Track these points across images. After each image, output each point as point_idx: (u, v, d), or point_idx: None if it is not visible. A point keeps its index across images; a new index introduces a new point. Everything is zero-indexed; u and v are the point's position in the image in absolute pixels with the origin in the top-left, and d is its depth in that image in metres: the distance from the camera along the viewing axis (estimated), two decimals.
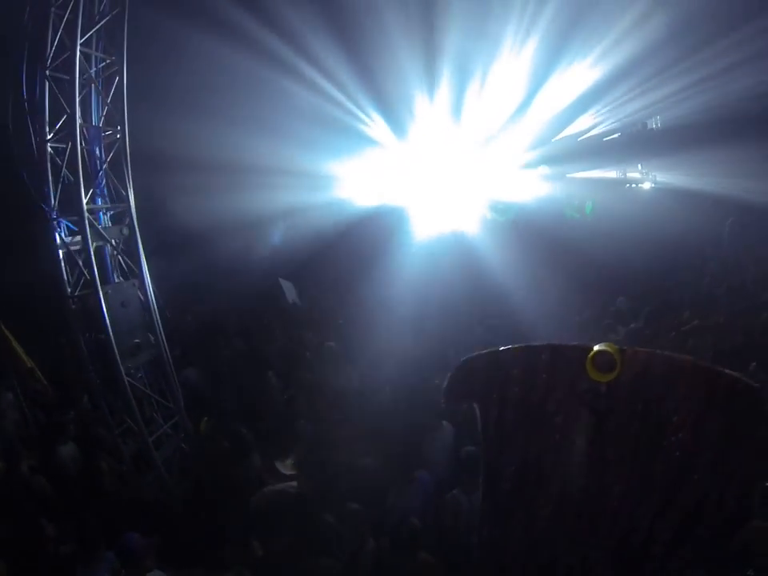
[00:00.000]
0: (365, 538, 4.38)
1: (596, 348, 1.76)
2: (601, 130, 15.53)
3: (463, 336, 8.80)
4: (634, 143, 15.24)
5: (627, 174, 16.67)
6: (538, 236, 13.68)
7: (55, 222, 5.61)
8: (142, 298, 6.02)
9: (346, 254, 13.36)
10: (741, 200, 12.86)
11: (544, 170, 16.07)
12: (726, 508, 1.61)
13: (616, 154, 15.67)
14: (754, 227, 13.16)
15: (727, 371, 1.64)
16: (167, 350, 6.18)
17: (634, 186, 16.76)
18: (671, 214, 14.00)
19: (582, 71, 12.98)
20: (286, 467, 5.19)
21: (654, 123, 15.28)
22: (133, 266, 6.02)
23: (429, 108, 14.26)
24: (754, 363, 6.75)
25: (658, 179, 15.95)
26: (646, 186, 16.42)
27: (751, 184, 12.49)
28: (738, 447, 1.61)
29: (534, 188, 15.92)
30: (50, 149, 5.58)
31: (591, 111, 14.82)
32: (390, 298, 9.84)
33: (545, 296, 9.93)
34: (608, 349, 1.73)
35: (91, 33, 5.67)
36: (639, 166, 16.21)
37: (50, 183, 5.58)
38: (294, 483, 5.06)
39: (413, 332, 8.91)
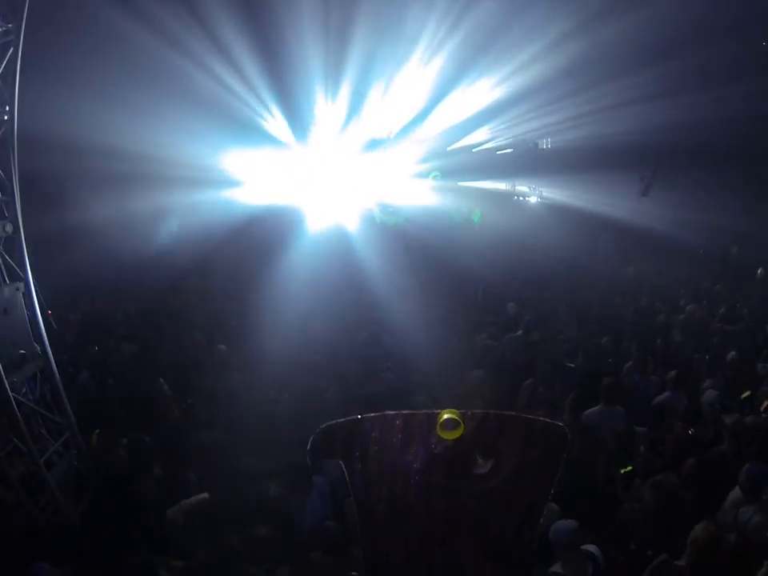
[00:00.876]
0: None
1: (444, 415, 2.27)
2: (495, 144, 16.40)
3: (348, 341, 8.93)
4: (525, 159, 16.36)
5: (516, 188, 17.74)
6: (424, 240, 14.19)
7: None
8: (26, 303, 5.38)
9: (237, 252, 12.97)
10: (615, 218, 14.33)
11: (437, 177, 16.58)
12: (540, 503, 2.44)
13: (507, 168, 16.67)
14: (623, 242, 14.71)
15: (540, 418, 2.40)
16: (54, 361, 5.59)
17: (521, 198, 17.88)
18: (553, 227, 15.17)
19: (484, 87, 13.67)
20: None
21: (545, 144, 16.54)
22: (16, 268, 5.35)
23: (328, 109, 14.17)
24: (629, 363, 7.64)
25: (544, 194, 17.20)
26: (533, 199, 17.61)
27: (626, 203, 14.00)
28: (552, 468, 2.40)
29: (425, 195, 16.36)
30: None
31: (488, 126, 15.64)
32: (280, 298, 9.69)
33: (428, 300, 10.30)
34: (453, 415, 2.26)
35: None
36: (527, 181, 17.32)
37: None
38: (206, 495, 4.94)
39: (301, 335, 8.88)
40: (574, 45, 11.27)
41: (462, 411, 2.32)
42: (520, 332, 9.00)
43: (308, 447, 2.34)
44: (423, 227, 15.08)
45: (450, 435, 2.27)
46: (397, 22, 12.01)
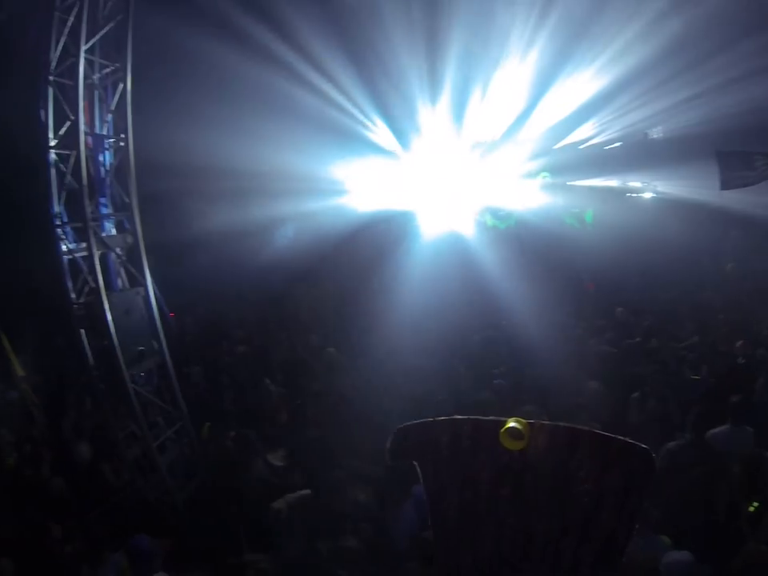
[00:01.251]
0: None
1: (509, 423, 2.16)
2: (602, 139, 15.58)
3: (461, 346, 8.81)
4: (636, 152, 15.29)
5: (628, 184, 16.68)
6: (537, 244, 13.71)
7: (60, 230, 5.60)
8: (145, 305, 6.01)
9: (349, 258, 13.38)
10: (742, 213, 12.85)
11: (545, 178, 16.10)
12: (622, 538, 2.15)
13: (617, 163, 15.71)
14: (753, 240, 13.21)
15: (619, 438, 2.10)
16: (170, 357, 6.18)
17: (634, 195, 16.79)
18: (671, 224, 14.01)
19: (586, 80, 12.99)
20: (276, 458, 5.18)
21: (656, 133, 15.37)
22: (136, 274, 6.01)
23: (431, 116, 14.29)
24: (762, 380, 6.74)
25: (658, 189, 15.98)
26: (647, 195, 16.45)
27: (752, 197, 12.54)
28: (635, 497, 2.11)
29: (535, 196, 15.94)
30: (53, 155, 5.58)
31: (593, 120, 14.82)
32: (392, 303, 9.87)
33: (542, 305, 9.93)
34: (517, 425, 2.14)
35: (95, 39, 5.68)
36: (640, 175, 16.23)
37: (54, 190, 5.58)
38: (308, 492, 5.08)
39: (414, 339, 8.91)
40: (677, 18, 10.39)
41: (531, 421, 2.19)
42: (638, 339, 8.41)
43: (386, 448, 2.36)
44: (534, 229, 14.66)
45: (512, 445, 2.15)
46: (488, 20, 11.86)
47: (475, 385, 7.29)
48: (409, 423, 2.42)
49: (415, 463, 2.37)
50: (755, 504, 4.52)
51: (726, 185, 11.08)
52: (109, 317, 5.40)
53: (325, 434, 6.29)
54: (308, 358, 8.73)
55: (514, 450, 2.16)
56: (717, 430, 5.48)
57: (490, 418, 2.28)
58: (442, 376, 7.67)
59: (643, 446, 2.10)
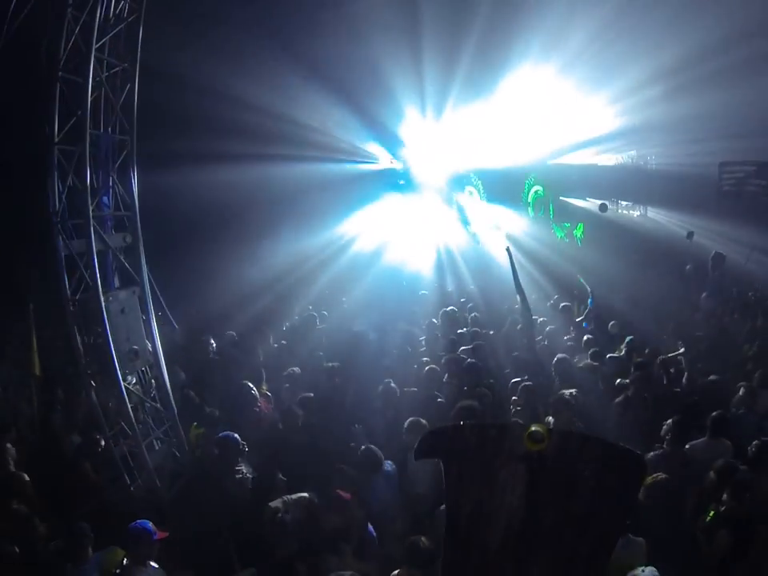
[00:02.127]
0: None
1: (532, 427, 2.47)
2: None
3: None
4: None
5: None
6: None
7: (59, 225, 5.63)
8: (141, 306, 6.07)
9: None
10: None
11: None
12: (615, 533, 2.54)
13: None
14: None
15: (620, 444, 2.45)
16: (162, 358, 6.25)
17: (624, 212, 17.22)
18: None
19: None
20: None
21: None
22: (134, 274, 6.06)
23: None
24: None
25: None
26: (636, 214, 16.86)
27: None
28: (628, 498, 2.52)
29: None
30: (57, 151, 5.61)
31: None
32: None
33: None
34: (540, 429, 2.46)
35: (106, 38, 5.72)
36: None
37: (57, 185, 5.61)
38: (306, 495, 5.13)
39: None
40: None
41: (549, 426, 2.54)
42: (623, 354, 8.60)
43: (415, 447, 2.56)
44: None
45: (535, 446, 2.45)
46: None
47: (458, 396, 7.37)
48: (441, 425, 2.80)
49: (440, 460, 2.61)
50: (711, 513, 4.70)
51: (722, 195, 11.30)
52: (105, 315, 5.46)
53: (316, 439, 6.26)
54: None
55: (534, 451, 2.46)
56: (696, 441, 5.69)
57: (515, 421, 2.54)
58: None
59: (637, 452, 2.45)
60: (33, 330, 6.87)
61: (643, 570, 3.92)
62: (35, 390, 6.78)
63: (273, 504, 4.91)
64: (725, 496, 4.70)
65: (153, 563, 4.28)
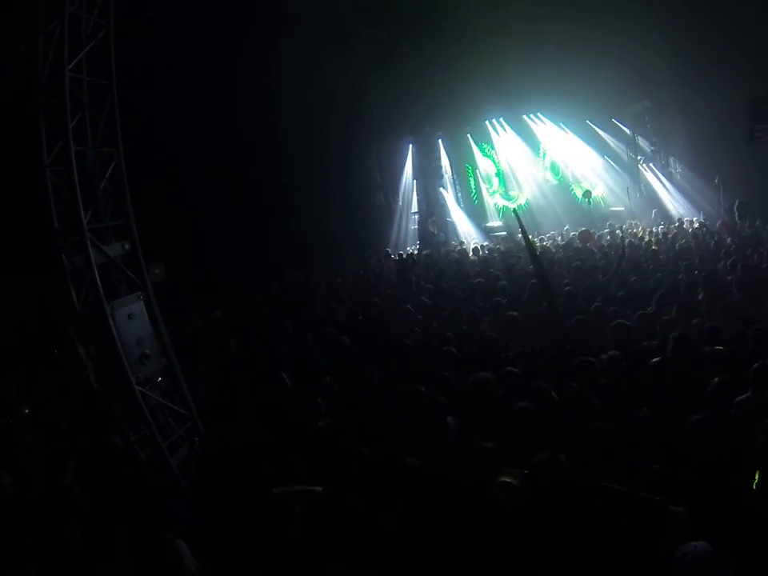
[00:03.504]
0: None
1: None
2: None
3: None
4: None
5: None
6: None
7: (61, 244, 5.82)
8: (148, 309, 6.23)
9: None
10: None
11: None
12: None
13: None
14: None
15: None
16: (175, 358, 6.40)
17: None
18: None
19: None
20: None
21: None
22: (136, 280, 6.22)
23: None
24: None
25: None
26: None
27: None
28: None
29: None
30: (49, 173, 5.80)
31: None
32: None
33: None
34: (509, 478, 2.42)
35: (79, 57, 5.87)
36: None
37: (53, 206, 5.80)
38: (319, 489, 4.96)
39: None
40: None
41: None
42: (652, 308, 8.26)
43: None
44: None
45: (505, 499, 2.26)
46: None
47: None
48: None
49: None
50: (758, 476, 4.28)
51: (752, 139, 10.14)
52: (111, 324, 5.62)
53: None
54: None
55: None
56: (740, 398, 5.33)
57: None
58: None
59: (657, 498, 2.33)
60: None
61: (695, 547, 3.38)
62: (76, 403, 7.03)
63: (276, 489, 4.82)
64: None
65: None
